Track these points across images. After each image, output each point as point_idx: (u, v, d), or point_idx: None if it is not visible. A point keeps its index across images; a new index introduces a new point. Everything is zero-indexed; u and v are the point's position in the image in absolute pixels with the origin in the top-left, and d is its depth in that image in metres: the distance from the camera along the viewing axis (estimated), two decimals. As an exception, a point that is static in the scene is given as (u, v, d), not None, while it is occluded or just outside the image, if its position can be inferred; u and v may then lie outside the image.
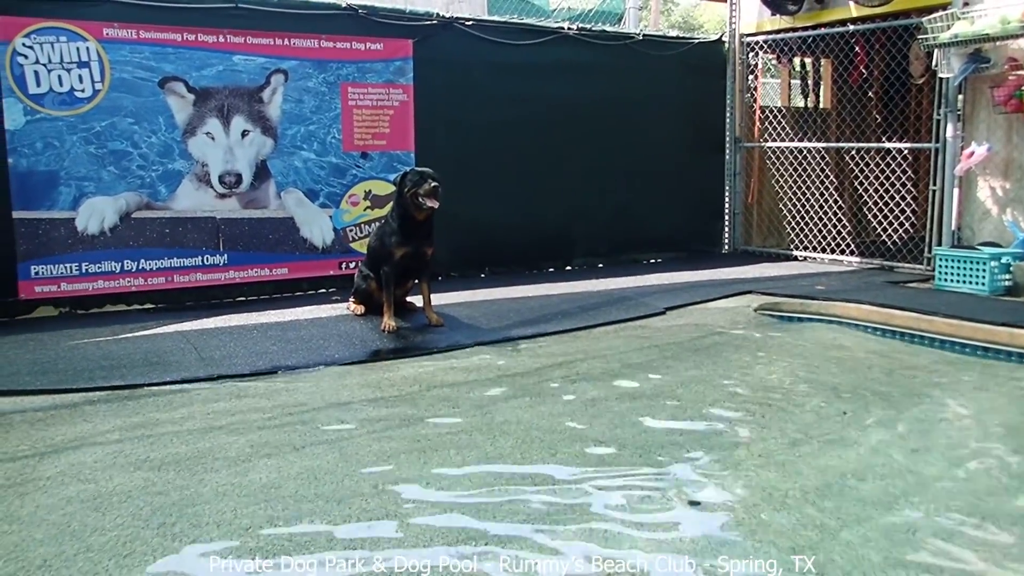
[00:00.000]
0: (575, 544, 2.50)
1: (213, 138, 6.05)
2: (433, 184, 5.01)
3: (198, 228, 6.07)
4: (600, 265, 7.95)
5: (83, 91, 5.60)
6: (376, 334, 5.05)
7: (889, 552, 2.44)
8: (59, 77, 5.52)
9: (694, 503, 2.80)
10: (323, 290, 6.55)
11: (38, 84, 5.46)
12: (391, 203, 5.49)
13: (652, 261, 8.26)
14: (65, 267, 5.66)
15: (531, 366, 4.51)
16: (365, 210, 6.69)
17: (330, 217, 6.56)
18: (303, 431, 3.49)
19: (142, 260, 5.89)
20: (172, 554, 2.43)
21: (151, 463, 3.14)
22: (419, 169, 5.22)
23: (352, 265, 6.41)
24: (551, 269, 7.75)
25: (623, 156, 7.98)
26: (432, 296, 5.41)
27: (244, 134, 6.15)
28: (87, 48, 5.58)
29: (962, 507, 2.75)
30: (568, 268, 7.83)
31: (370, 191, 6.70)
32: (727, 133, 8.72)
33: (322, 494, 2.85)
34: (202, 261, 6.10)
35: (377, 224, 5.94)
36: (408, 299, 5.60)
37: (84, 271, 5.71)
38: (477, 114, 7.19)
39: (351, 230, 6.66)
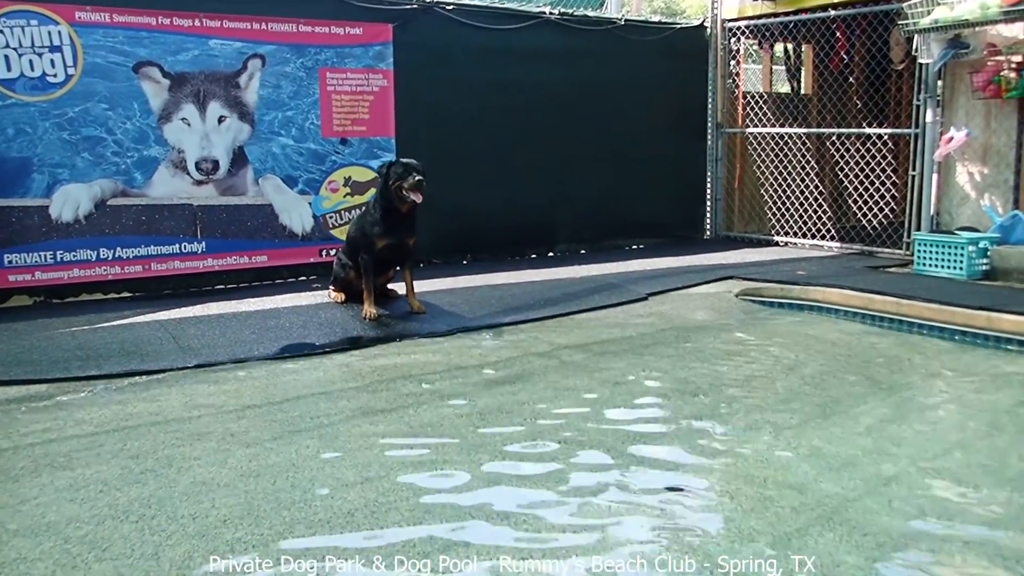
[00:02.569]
0: (567, 545, 2.48)
1: (189, 124, 5.96)
2: (418, 178, 4.91)
3: (175, 215, 5.98)
4: (583, 251, 7.94)
5: (55, 76, 5.48)
6: (357, 322, 5.01)
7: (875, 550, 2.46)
8: (30, 62, 5.40)
9: (674, 488, 2.81)
10: (303, 278, 6.49)
11: (8, 69, 5.34)
12: (372, 190, 5.43)
13: (634, 247, 8.26)
14: (39, 255, 5.56)
15: (513, 353, 4.49)
16: (345, 197, 6.62)
17: (309, 204, 6.49)
18: (282, 420, 3.46)
19: (118, 248, 5.81)
20: (150, 548, 2.39)
21: (128, 453, 3.10)
22: (404, 161, 5.13)
23: (332, 252, 6.34)
24: (534, 255, 7.73)
25: (605, 142, 7.96)
26: (414, 283, 5.37)
27: (221, 120, 6.06)
28: (59, 32, 5.45)
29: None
30: (551, 254, 7.81)
31: (350, 177, 6.63)
32: (709, 119, 8.72)
33: (301, 484, 2.83)
34: (180, 249, 6.02)
35: (357, 211, 5.88)
36: (390, 286, 5.56)
37: (59, 259, 5.62)
38: (458, 99, 7.13)
39: (331, 217, 6.59)
